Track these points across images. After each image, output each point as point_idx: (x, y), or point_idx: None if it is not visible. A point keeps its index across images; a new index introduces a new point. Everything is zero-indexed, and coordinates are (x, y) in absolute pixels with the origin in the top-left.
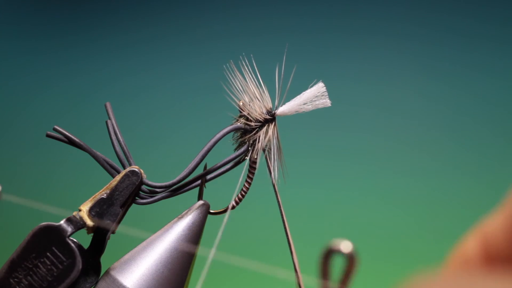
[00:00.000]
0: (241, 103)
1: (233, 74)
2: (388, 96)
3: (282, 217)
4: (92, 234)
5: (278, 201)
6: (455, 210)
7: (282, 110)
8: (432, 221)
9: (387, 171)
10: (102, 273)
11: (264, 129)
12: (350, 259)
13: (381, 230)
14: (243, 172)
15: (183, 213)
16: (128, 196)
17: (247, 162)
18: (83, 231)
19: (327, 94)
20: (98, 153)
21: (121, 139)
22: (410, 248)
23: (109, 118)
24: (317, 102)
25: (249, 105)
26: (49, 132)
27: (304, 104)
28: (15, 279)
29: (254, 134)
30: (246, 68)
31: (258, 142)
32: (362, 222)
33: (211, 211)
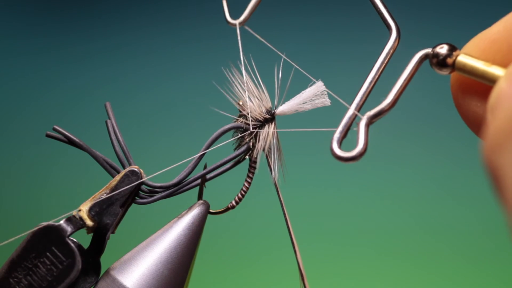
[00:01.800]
0: (240, 103)
1: (232, 74)
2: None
3: (285, 216)
4: (92, 234)
5: (280, 200)
6: (456, 207)
7: (281, 109)
8: (434, 218)
9: (388, 168)
10: (102, 273)
11: (264, 128)
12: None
13: (383, 228)
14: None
15: (183, 213)
16: (128, 196)
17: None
18: (83, 231)
19: (326, 93)
20: (98, 153)
21: (121, 139)
22: (412, 246)
23: (109, 118)
24: (316, 101)
25: (249, 104)
26: (48, 132)
27: (304, 103)
28: (15, 279)
29: (255, 133)
30: (245, 67)
31: (258, 141)
32: (365, 220)
33: (211, 210)
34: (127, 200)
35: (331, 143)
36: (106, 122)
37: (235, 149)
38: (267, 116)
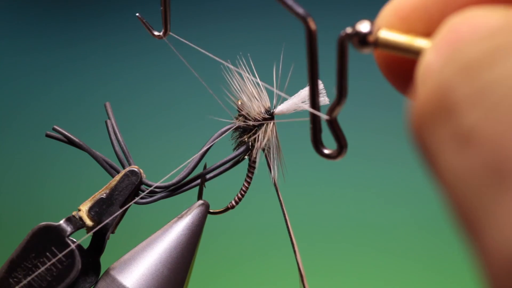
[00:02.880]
0: (239, 103)
1: (230, 74)
2: (388, 92)
3: (284, 216)
4: (91, 234)
5: (280, 200)
6: None
7: (280, 109)
8: (433, 216)
9: (388, 167)
10: (101, 273)
11: (263, 128)
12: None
13: (383, 227)
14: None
15: (183, 213)
16: (127, 196)
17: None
18: (83, 231)
19: (325, 91)
20: (97, 153)
21: (120, 139)
22: (412, 245)
23: (109, 118)
24: None
25: (248, 104)
26: (48, 132)
27: (302, 102)
28: (15, 279)
29: (254, 133)
30: (243, 67)
31: (257, 141)
32: (364, 219)
33: (211, 210)
34: (127, 200)
35: (313, 147)
36: (106, 122)
37: (234, 149)
38: (266, 116)
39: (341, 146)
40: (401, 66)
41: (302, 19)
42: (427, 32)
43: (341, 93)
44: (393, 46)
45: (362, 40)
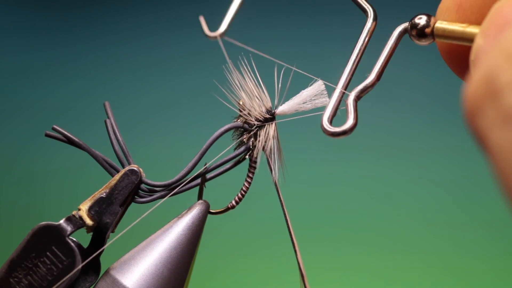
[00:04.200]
0: (241, 102)
1: (232, 73)
2: (388, 92)
3: (285, 216)
4: (91, 233)
5: (281, 200)
6: (456, 204)
7: (282, 109)
8: (434, 215)
9: (390, 166)
10: (101, 272)
11: (265, 128)
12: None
13: (384, 226)
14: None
15: (183, 212)
16: (127, 195)
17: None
18: (83, 230)
19: (326, 92)
20: (97, 152)
21: (120, 138)
22: (414, 243)
23: (108, 117)
24: (316, 101)
25: (249, 104)
26: (48, 132)
27: (304, 103)
28: (15, 279)
29: (255, 133)
30: (245, 67)
31: (258, 141)
32: (365, 218)
33: (211, 210)
34: (126, 199)
35: (321, 120)
36: (105, 121)
37: (235, 149)
38: (267, 116)
39: (351, 126)
40: (461, 54)
41: (372, 15)
42: (482, 19)
43: (378, 77)
44: (448, 36)
45: (420, 32)
